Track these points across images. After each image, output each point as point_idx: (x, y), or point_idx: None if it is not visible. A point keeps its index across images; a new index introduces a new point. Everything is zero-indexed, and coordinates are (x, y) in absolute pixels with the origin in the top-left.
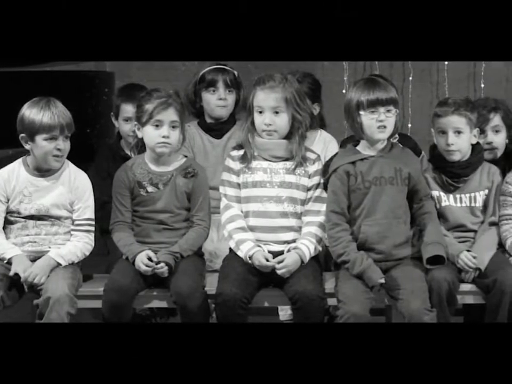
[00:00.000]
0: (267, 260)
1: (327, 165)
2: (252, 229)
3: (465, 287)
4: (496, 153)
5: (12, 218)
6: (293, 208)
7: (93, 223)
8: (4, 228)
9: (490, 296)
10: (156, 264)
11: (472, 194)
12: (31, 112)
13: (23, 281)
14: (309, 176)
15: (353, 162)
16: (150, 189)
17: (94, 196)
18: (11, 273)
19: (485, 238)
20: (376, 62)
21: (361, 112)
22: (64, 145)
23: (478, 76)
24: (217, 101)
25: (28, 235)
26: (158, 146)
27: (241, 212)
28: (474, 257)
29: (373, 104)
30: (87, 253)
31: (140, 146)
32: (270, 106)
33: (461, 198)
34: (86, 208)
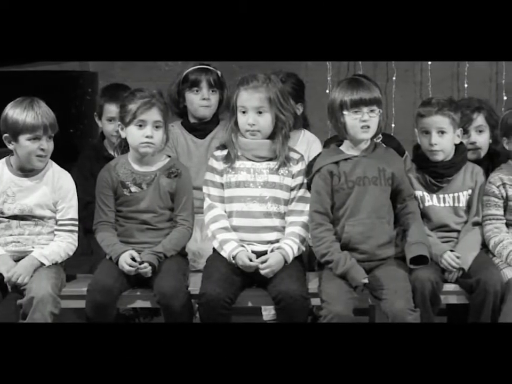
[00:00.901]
0: (250, 260)
1: (310, 165)
2: (235, 229)
3: (448, 287)
4: (480, 153)
5: None
6: (277, 208)
7: (77, 223)
8: None
9: (474, 296)
10: (140, 264)
11: (456, 194)
12: (14, 112)
13: (6, 281)
14: (292, 176)
15: (336, 162)
16: (133, 189)
17: (78, 195)
18: None
19: (468, 238)
20: (360, 62)
21: (345, 112)
22: (48, 145)
23: (462, 75)
24: (201, 101)
25: (11, 235)
26: (142, 146)
27: (225, 212)
28: (457, 257)
29: (357, 104)
30: (71, 253)
31: (123, 146)
32: (254, 106)
33: (444, 198)
34: (70, 208)
